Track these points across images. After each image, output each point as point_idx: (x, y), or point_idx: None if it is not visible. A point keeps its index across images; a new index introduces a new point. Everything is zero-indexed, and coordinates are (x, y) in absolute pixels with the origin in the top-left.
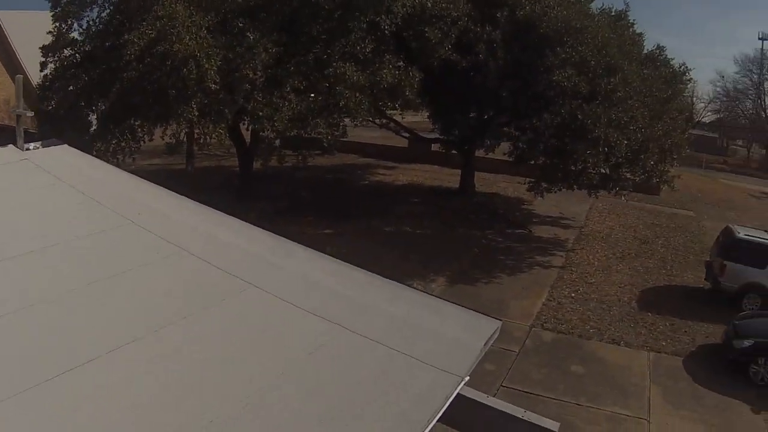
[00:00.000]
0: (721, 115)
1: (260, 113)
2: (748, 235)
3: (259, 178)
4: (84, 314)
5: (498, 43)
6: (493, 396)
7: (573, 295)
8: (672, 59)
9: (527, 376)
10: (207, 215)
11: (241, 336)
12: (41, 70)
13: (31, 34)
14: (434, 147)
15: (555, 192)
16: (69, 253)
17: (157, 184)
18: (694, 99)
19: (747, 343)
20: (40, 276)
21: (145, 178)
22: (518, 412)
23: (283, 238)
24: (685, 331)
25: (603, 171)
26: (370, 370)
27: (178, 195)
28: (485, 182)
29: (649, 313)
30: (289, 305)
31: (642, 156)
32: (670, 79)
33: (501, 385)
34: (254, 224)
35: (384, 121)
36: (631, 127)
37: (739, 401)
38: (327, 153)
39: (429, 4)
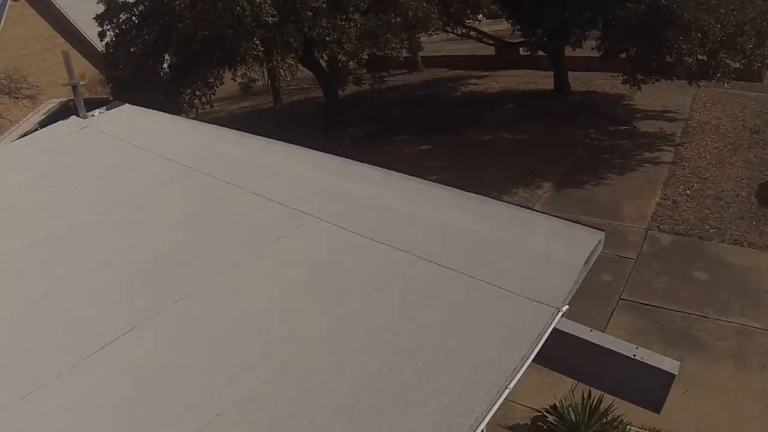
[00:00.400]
0: None
1: (327, 38)
2: None
3: (347, 105)
4: (140, 274)
5: None
6: (612, 311)
7: (688, 192)
8: None
9: (647, 285)
10: (271, 149)
11: (296, 278)
12: (101, 39)
13: (89, 7)
14: (522, 51)
15: (652, 83)
16: (124, 212)
17: (245, 125)
18: None
19: None
20: (91, 240)
21: (233, 122)
22: (629, 349)
23: (356, 162)
24: None
25: (700, 58)
26: (447, 308)
27: (243, 133)
28: (580, 81)
29: None
30: (355, 236)
31: (739, 39)
32: None
33: (620, 299)
34: (344, 151)
35: (465, 30)
36: (722, 10)
37: None
38: (415, 70)
39: None
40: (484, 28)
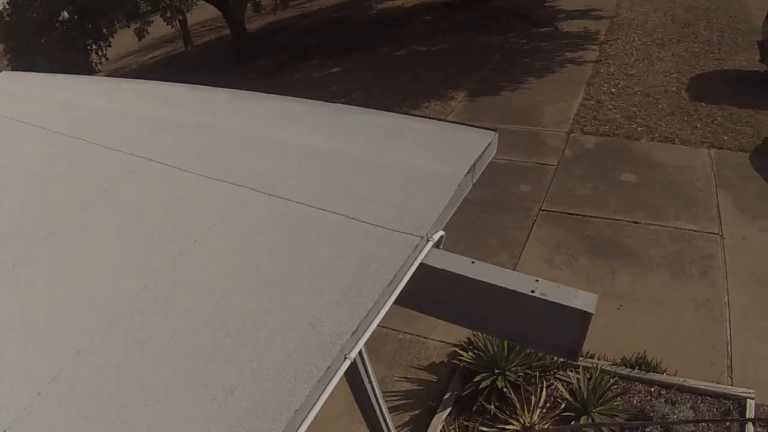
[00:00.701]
0: None
1: None
2: None
3: (259, 37)
4: None
5: None
6: (532, 224)
7: (613, 90)
8: None
9: (571, 193)
10: (136, 92)
11: (113, 234)
12: None
13: None
14: None
15: None
16: None
17: (155, 74)
18: None
19: None
20: None
21: (143, 73)
22: (525, 285)
23: (217, 89)
24: (747, 121)
25: None
26: (277, 254)
27: (114, 79)
28: None
29: (703, 103)
30: (189, 174)
31: None
32: None
33: (540, 209)
34: (252, 84)
35: None
36: None
37: None
38: None
39: None
40: None
